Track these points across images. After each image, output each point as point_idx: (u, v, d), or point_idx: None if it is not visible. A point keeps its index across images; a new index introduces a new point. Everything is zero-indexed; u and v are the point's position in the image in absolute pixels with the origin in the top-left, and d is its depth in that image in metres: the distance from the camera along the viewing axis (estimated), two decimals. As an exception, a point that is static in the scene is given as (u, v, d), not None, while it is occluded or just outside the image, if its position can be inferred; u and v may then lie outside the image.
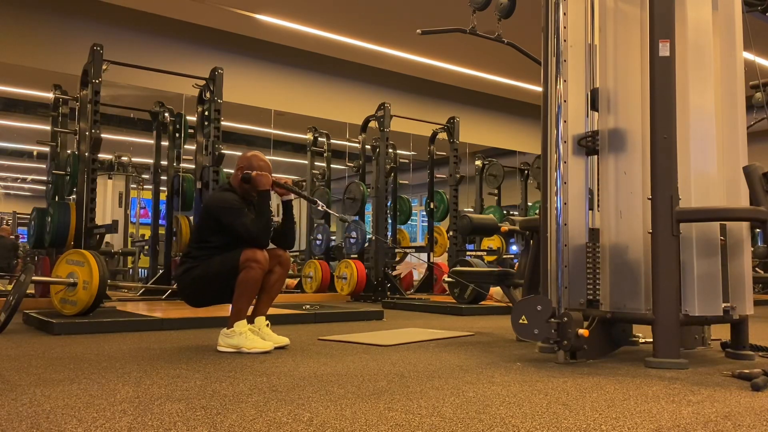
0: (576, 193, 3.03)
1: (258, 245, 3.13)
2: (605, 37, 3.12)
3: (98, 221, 5.39)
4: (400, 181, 9.30)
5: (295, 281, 9.12)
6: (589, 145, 3.09)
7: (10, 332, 3.72)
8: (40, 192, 15.15)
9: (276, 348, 3.17)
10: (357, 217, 7.99)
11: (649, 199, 2.82)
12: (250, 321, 3.24)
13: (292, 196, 3.36)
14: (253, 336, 3.10)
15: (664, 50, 2.84)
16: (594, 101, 3.13)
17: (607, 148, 3.05)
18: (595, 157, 3.14)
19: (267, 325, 3.27)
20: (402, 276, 9.17)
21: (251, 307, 3.25)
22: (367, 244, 8.00)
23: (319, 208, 3.60)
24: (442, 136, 8.57)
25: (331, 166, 9.29)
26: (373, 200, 8.05)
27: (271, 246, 3.30)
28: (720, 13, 3.11)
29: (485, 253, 9.19)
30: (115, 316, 4.25)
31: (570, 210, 2.97)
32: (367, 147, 8.36)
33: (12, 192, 16.65)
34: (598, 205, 3.10)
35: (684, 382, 2.39)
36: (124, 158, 10.88)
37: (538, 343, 3.13)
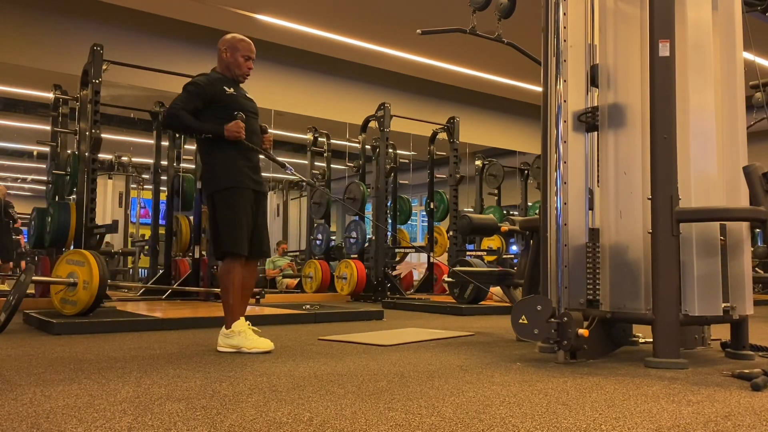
0: (576, 193, 3.03)
1: (169, 120, 3.11)
2: (605, 37, 3.12)
3: (98, 221, 5.39)
4: (400, 181, 9.30)
5: (295, 281, 9.13)
6: (588, 120, 3.07)
7: (10, 332, 3.72)
8: (40, 192, 15.15)
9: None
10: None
11: (649, 199, 2.82)
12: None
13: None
14: (254, 336, 3.08)
15: (664, 50, 2.84)
16: (594, 78, 3.12)
17: (606, 125, 3.04)
18: (596, 153, 3.14)
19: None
20: (402, 276, 9.17)
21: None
22: (367, 244, 8.01)
23: (288, 171, 3.46)
24: (442, 136, 8.57)
25: (331, 166, 9.29)
26: (373, 200, 8.06)
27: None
28: (720, 13, 3.11)
29: (485, 253, 9.19)
30: (115, 316, 4.25)
31: (570, 210, 2.97)
32: (367, 147, 8.36)
33: (12, 192, 16.65)
34: (600, 178, 3.08)
35: (684, 382, 2.39)
36: (124, 158, 10.89)
37: (538, 343, 3.13)
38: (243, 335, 3.05)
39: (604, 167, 3.06)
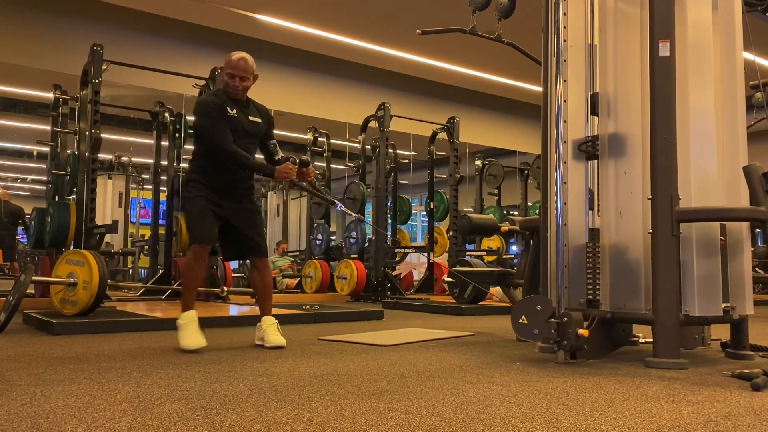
0: (576, 194, 3.03)
1: (223, 157, 3.19)
2: (605, 37, 3.12)
3: (98, 221, 5.39)
4: (400, 181, 9.30)
5: (295, 281, 9.12)
6: (589, 150, 3.08)
7: (10, 332, 3.72)
8: (40, 192, 15.15)
9: (272, 348, 3.19)
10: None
11: (649, 199, 2.82)
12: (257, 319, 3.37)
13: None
14: (187, 332, 3.15)
15: (664, 50, 2.84)
16: (594, 106, 3.12)
17: (607, 153, 3.04)
18: (595, 160, 3.13)
19: (274, 324, 3.32)
20: (402, 276, 9.17)
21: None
22: (367, 244, 8.00)
23: (338, 209, 3.67)
24: (442, 136, 8.57)
25: (331, 166, 9.29)
26: (373, 200, 8.05)
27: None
28: (720, 13, 3.11)
29: (485, 253, 9.18)
30: (115, 316, 4.25)
31: (570, 210, 2.97)
32: (367, 147, 8.36)
33: (12, 192, 16.65)
34: (599, 206, 3.10)
35: (684, 382, 2.39)
36: (124, 158, 10.88)
37: (538, 343, 3.13)
38: (181, 328, 3.16)
39: (604, 169, 3.06)
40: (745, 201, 2.97)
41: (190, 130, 6.74)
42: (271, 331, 3.28)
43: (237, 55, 3.30)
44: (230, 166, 3.24)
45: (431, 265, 8.54)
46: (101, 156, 6.50)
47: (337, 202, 3.67)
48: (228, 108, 3.23)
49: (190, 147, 6.81)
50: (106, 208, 10.40)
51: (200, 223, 3.25)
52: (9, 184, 16.86)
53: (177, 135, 6.98)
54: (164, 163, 7.07)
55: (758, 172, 2.76)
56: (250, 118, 3.34)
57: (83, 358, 2.80)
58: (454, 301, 6.32)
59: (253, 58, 3.37)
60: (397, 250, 8.64)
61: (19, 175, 17.11)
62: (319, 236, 8.65)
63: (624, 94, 3.04)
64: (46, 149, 6.54)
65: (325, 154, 9.19)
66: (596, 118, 3.15)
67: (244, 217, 3.35)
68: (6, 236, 9.37)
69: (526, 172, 10.66)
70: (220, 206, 3.27)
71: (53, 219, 5.41)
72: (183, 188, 3.34)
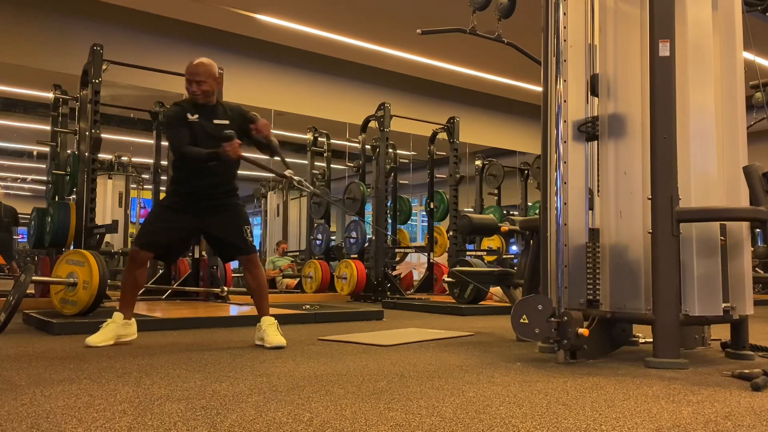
0: (576, 194, 3.03)
1: (183, 159, 3.26)
2: (605, 37, 3.12)
3: (98, 221, 5.39)
4: (400, 181, 9.29)
5: (295, 281, 9.12)
6: (588, 130, 3.07)
7: (10, 332, 3.71)
8: (40, 192, 15.14)
9: (272, 348, 3.20)
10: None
11: (649, 199, 2.82)
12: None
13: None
14: (104, 330, 3.20)
15: (664, 50, 2.84)
16: (594, 87, 3.12)
17: (606, 134, 3.04)
18: (595, 156, 3.14)
19: (273, 325, 3.32)
20: (402, 276, 9.17)
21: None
22: (367, 244, 8.01)
23: (295, 182, 3.44)
24: (442, 136, 8.56)
25: (331, 166, 9.29)
26: (373, 200, 8.05)
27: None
28: (720, 13, 3.11)
29: (485, 253, 9.18)
30: (115, 316, 4.24)
31: (570, 210, 2.97)
32: (367, 147, 8.36)
33: (12, 192, 16.64)
34: (599, 193, 3.09)
35: (684, 382, 2.39)
36: (124, 158, 10.88)
37: (538, 343, 3.13)
38: (104, 325, 3.24)
39: (604, 169, 3.06)
40: (745, 201, 2.97)
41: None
42: (270, 332, 3.27)
43: (196, 60, 3.35)
44: (196, 171, 3.27)
45: (431, 265, 8.54)
46: (101, 156, 6.49)
47: (292, 174, 3.42)
48: (189, 114, 3.27)
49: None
50: (106, 208, 10.39)
51: (148, 229, 3.40)
52: (9, 184, 16.84)
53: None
54: (164, 163, 7.07)
55: (758, 172, 2.76)
56: (215, 121, 3.31)
57: (83, 358, 2.80)
58: (454, 301, 6.32)
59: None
60: (397, 250, 8.64)
61: (19, 175, 17.10)
62: (319, 236, 8.65)
63: (624, 90, 3.04)
64: (46, 149, 6.53)
65: (325, 154, 9.19)
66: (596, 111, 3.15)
67: (222, 223, 3.37)
68: (6, 237, 9.38)
69: (526, 172, 10.66)
70: (192, 214, 3.32)
71: (53, 219, 5.41)
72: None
